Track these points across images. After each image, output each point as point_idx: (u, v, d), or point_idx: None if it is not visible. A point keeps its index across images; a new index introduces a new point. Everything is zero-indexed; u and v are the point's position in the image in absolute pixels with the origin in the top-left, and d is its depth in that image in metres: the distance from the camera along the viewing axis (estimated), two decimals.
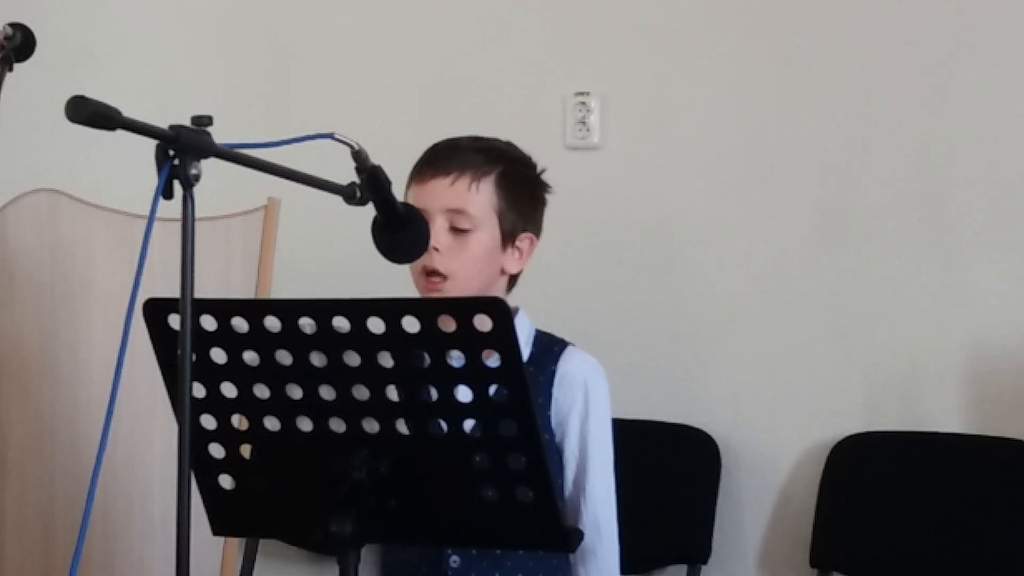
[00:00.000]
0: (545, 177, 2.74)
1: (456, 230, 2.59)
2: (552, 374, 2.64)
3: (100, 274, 3.27)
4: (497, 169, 2.62)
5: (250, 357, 2.17)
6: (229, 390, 2.21)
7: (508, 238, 2.64)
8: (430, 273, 2.56)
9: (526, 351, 2.62)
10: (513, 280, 2.70)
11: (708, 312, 3.75)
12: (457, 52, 3.98)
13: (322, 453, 2.18)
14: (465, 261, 2.58)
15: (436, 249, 2.54)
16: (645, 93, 3.81)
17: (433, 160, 2.64)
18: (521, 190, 2.66)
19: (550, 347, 2.67)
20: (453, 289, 2.56)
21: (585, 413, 2.64)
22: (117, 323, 1.99)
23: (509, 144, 2.73)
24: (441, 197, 2.59)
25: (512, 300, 2.66)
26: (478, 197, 2.60)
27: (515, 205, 2.64)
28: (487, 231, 2.61)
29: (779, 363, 3.69)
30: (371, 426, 2.16)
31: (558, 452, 2.62)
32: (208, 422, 2.24)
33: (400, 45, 4.03)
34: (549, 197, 2.75)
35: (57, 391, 3.28)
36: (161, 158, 1.97)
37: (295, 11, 4.15)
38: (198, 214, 2.00)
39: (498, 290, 2.65)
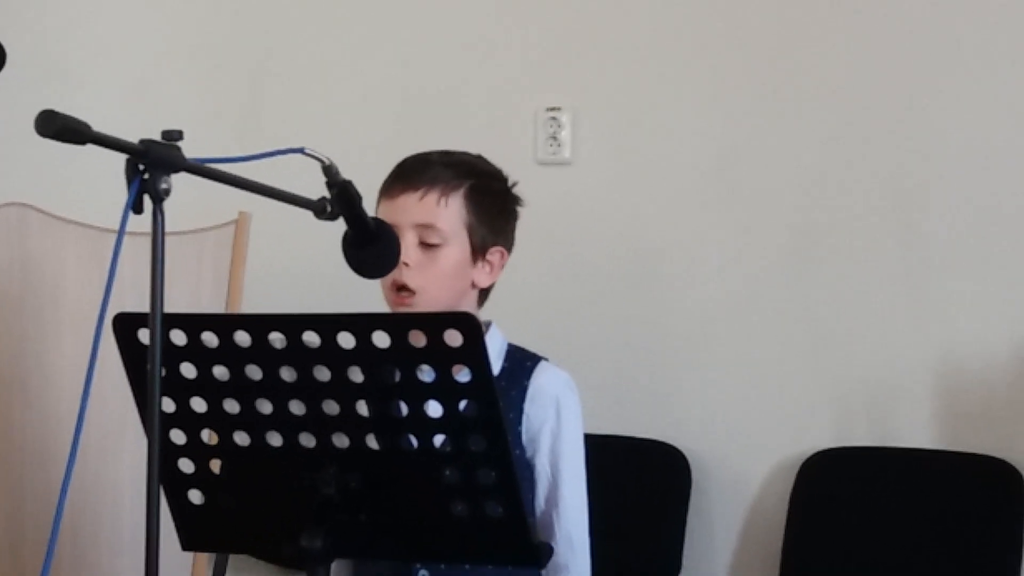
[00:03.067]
0: (516, 192, 2.74)
1: (426, 245, 2.58)
2: (524, 389, 2.63)
3: (70, 288, 3.26)
4: (466, 184, 2.62)
5: (220, 372, 2.17)
6: (199, 405, 2.20)
7: (478, 252, 2.63)
8: (399, 288, 2.56)
9: (498, 366, 2.62)
10: (484, 294, 2.70)
11: (679, 327, 3.76)
12: (429, 68, 3.98)
13: (292, 468, 2.17)
14: (435, 276, 2.58)
15: (406, 264, 2.54)
16: (617, 108, 3.82)
17: (402, 175, 2.64)
18: (491, 204, 2.66)
19: (522, 362, 2.67)
20: (422, 304, 2.56)
21: (557, 429, 2.64)
22: (87, 337, 1.99)
23: (479, 158, 2.73)
24: (410, 212, 2.59)
25: (484, 315, 2.67)
26: (447, 212, 2.59)
27: (485, 219, 2.63)
28: (457, 246, 2.60)
29: (750, 378, 3.70)
30: (341, 441, 2.16)
31: (529, 468, 2.62)
32: (178, 437, 2.24)
33: (373, 61, 4.03)
34: (521, 212, 2.75)
35: (26, 405, 3.26)
36: (131, 173, 1.97)
37: (269, 27, 4.15)
38: (168, 228, 1.99)
39: (468, 304, 2.64)
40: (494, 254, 2.66)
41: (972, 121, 3.54)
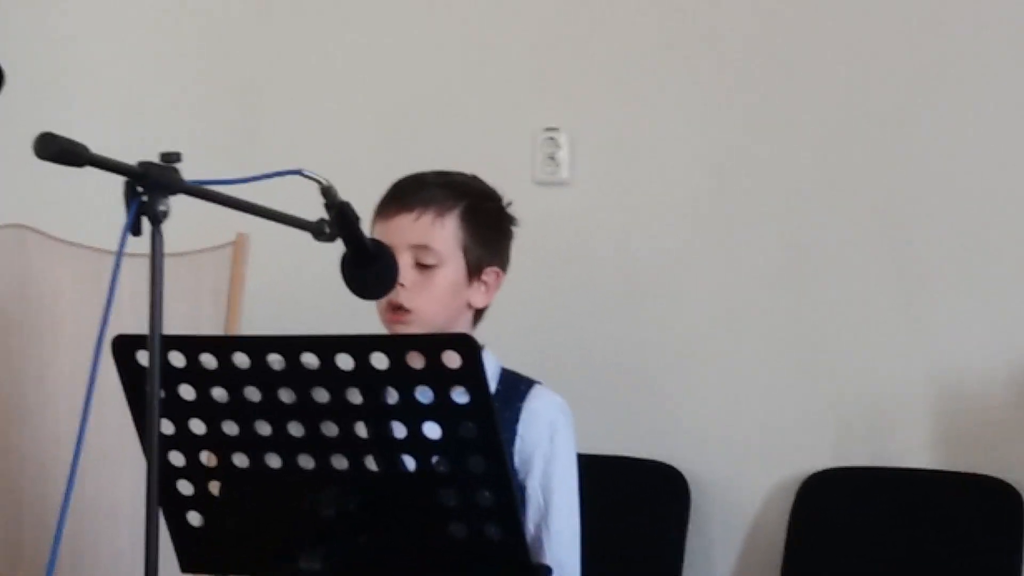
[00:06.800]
0: (513, 212, 2.74)
1: (421, 265, 2.59)
2: (518, 411, 2.63)
3: (68, 310, 3.26)
4: (462, 204, 2.63)
5: (219, 393, 2.17)
6: (198, 426, 2.21)
7: (474, 272, 2.64)
8: (395, 308, 2.56)
9: (492, 387, 2.62)
10: (479, 314, 2.70)
11: (677, 347, 3.76)
12: (427, 88, 3.99)
13: (291, 490, 2.17)
14: (430, 296, 2.58)
15: (401, 285, 2.54)
16: (614, 129, 3.82)
17: (397, 196, 2.64)
18: (486, 224, 2.66)
19: (516, 385, 2.67)
20: (418, 324, 2.56)
21: (550, 454, 2.64)
22: (85, 359, 1.99)
23: (474, 178, 2.73)
24: (406, 233, 2.59)
25: (478, 336, 2.66)
26: (443, 232, 2.60)
27: (480, 239, 2.64)
28: (452, 266, 2.61)
29: (748, 399, 3.69)
30: (340, 463, 2.16)
31: (521, 490, 2.62)
32: (177, 459, 2.24)
33: (370, 81, 4.03)
34: (517, 232, 2.75)
35: (25, 427, 3.26)
36: (130, 195, 1.97)
37: (265, 48, 4.15)
38: (167, 250, 1.99)
39: (463, 324, 2.65)
40: (489, 274, 2.66)
41: (967, 137, 3.53)
